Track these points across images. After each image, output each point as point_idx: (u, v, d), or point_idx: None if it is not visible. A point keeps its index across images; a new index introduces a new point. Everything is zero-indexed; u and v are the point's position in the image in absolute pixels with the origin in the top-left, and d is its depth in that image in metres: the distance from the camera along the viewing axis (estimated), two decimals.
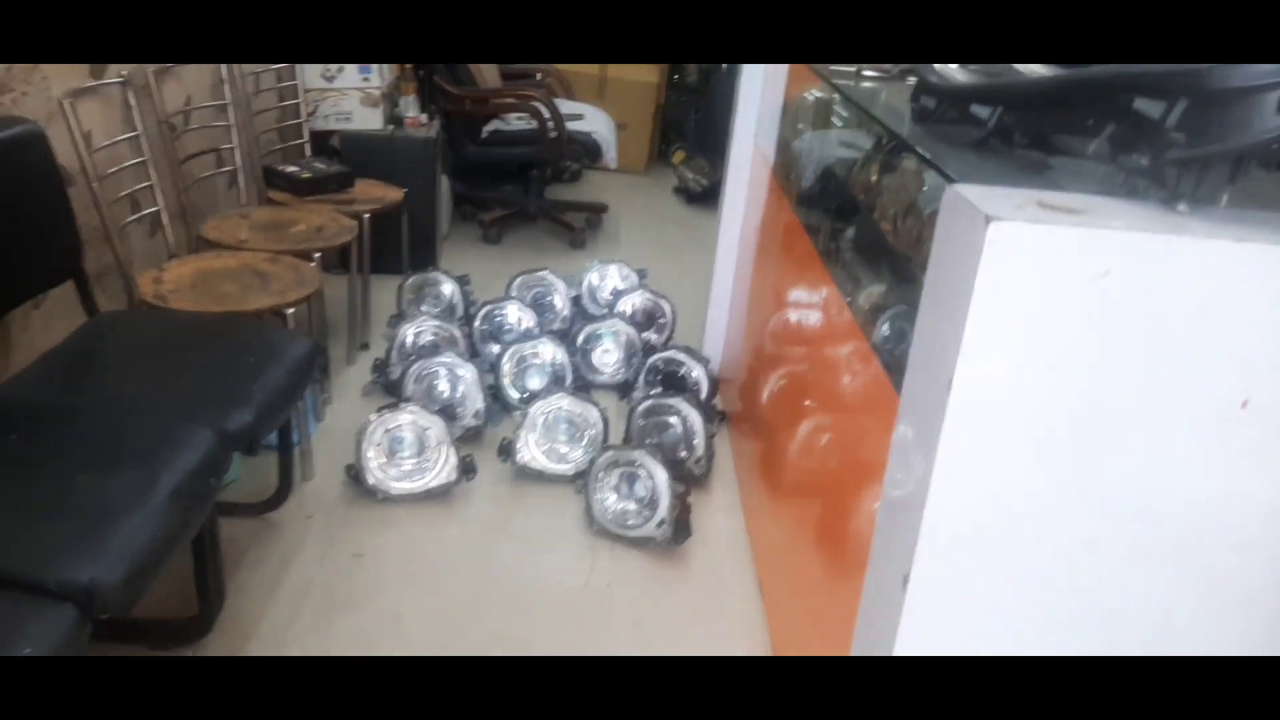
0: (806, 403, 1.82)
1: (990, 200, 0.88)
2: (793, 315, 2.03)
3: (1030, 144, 1.10)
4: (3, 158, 1.67)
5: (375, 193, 3.04)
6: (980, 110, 1.11)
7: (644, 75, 5.40)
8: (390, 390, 2.59)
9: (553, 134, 3.84)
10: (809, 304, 1.89)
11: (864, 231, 1.74)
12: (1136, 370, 0.90)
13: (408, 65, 3.76)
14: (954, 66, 1.16)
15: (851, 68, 1.87)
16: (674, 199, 5.01)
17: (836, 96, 1.83)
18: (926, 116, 1.20)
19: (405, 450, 2.23)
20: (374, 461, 2.20)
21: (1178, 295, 0.87)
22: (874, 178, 1.67)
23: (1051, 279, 0.86)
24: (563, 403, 2.33)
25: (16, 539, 1.23)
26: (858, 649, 1.17)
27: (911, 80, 1.55)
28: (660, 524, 2.06)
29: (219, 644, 1.73)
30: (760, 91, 2.59)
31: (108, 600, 1.20)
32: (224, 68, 2.66)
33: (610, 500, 2.13)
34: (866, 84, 1.89)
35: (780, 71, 2.43)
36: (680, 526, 2.08)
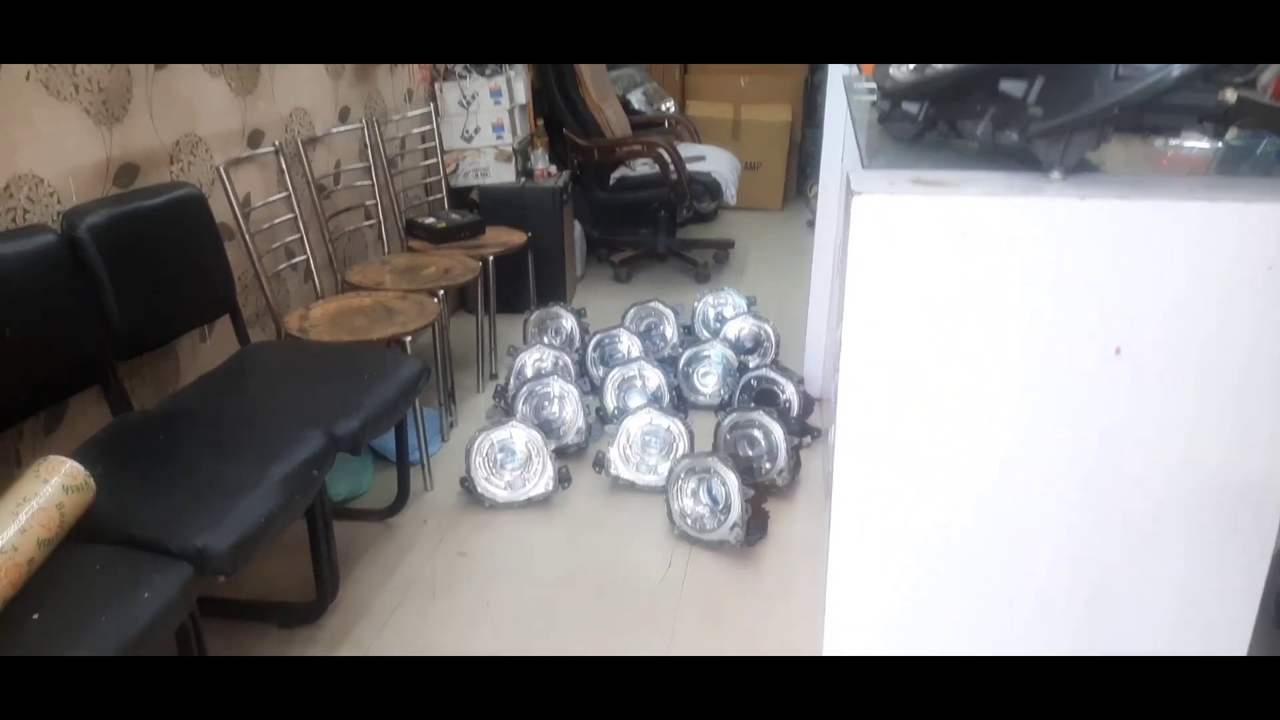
0: None
1: (869, 180, 0.98)
2: None
3: (952, 133, 1.18)
4: (169, 215, 2.05)
5: (502, 238, 3.35)
6: (910, 106, 1.20)
7: (777, 116, 5.55)
8: (509, 412, 2.84)
9: (674, 176, 4.05)
10: None
11: None
12: (1009, 324, 0.97)
13: (539, 121, 4.10)
14: (904, 67, 1.25)
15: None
16: (806, 232, 5.09)
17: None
18: (885, 117, 1.29)
19: (509, 462, 2.46)
20: (481, 472, 2.44)
21: (1036, 252, 0.94)
22: None
23: (915, 244, 0.95)
24: (650, 417, 2.49)
25: (149, 510, 1.53)
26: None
27: None
28: (733, 527, 2.17)
29: (332, 624, 1.99)
30: (843, 113, 2.69)
31: (217, 562, 1.47)
32: (365, 134, 3.05)
33: (688, 505, 2.26)
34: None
35: None
36: (753, 529, 2.18)
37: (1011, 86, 0.95)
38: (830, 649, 1.27)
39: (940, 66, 1.09)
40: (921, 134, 1.21)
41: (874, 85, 1.47)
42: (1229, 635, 1.14)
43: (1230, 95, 0.89)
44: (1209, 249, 0.94)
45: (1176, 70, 0.83)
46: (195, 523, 1.50)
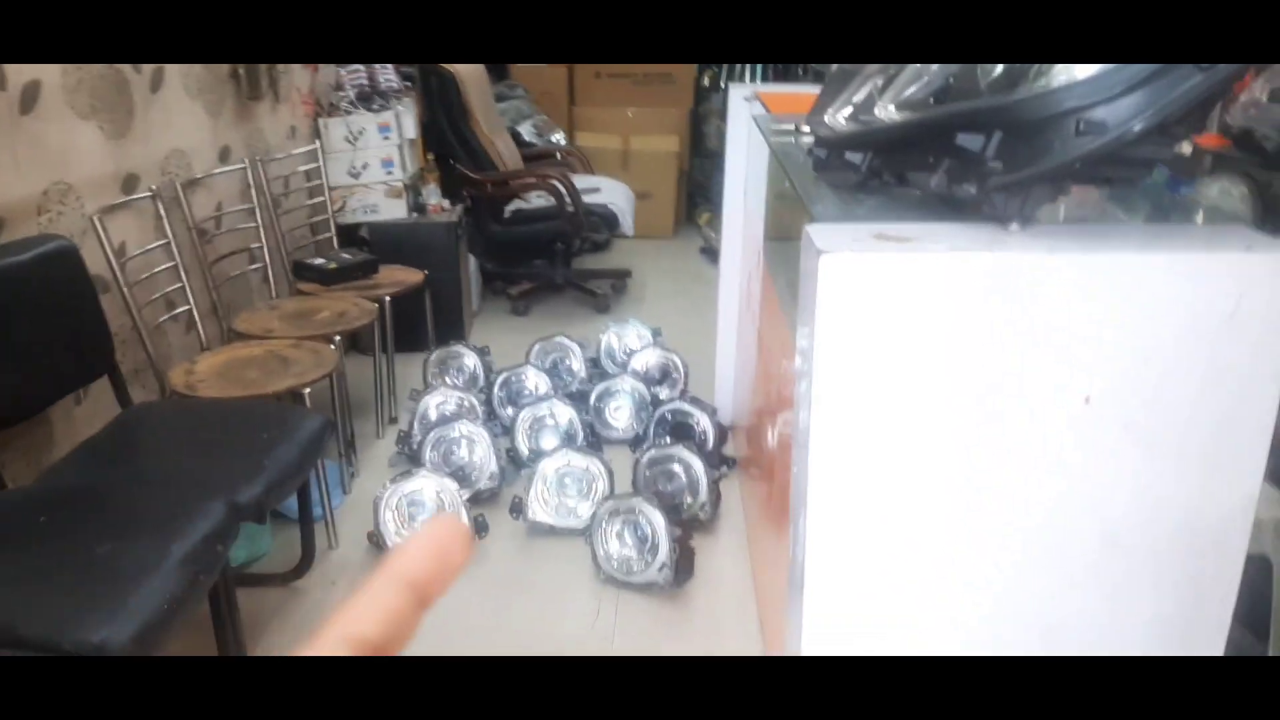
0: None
1: (830, 235, 0.97)
2: (777, 360, 2.12)
3: (898, 182, 1.19)
4: (37, 271, 1.88)
5: (397, 276, 3.23)
6: (854, 156, 1.20)
7: (664, 146, 5.60)
8: (414, 460, 2.73)
9: (570, 209, 4.02)
10: (785, 347, 1.97)
11: None
12: (978, 375, 0.97)
13: (430, 157, 4.00)
14: (841, 117, 1.25)
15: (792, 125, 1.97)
16: (700, 259, 5.15)
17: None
18: (821, 166, 1.29)
19: (421, 514, 2.35)
20: (391, 526, 2.33)
21: (1002, 305, 0.94)
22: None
23: (884, 300, 0.94)
24: (568, 458, 2.43)
25: (38, 605, 1.38)
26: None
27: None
28: (661, 568, 2.13)
29: None
30: (745, 146, 2.72)
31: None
32: (248, 174, 2.90)
33: (614, 547, 2.21)
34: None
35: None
36: (681, 569, 2.15)
37: (969, 141, 0.96)
38: None
39: (887, 119, 1.10)
40: (864, 183, 1.21)
41: (805, 130, 1.46)
42: None
43: (1186, 148, 0.91)
44: (1171, 300, 0.97)
45: (1138, 125, 0.85)
46: (91, 615, 1.35)
